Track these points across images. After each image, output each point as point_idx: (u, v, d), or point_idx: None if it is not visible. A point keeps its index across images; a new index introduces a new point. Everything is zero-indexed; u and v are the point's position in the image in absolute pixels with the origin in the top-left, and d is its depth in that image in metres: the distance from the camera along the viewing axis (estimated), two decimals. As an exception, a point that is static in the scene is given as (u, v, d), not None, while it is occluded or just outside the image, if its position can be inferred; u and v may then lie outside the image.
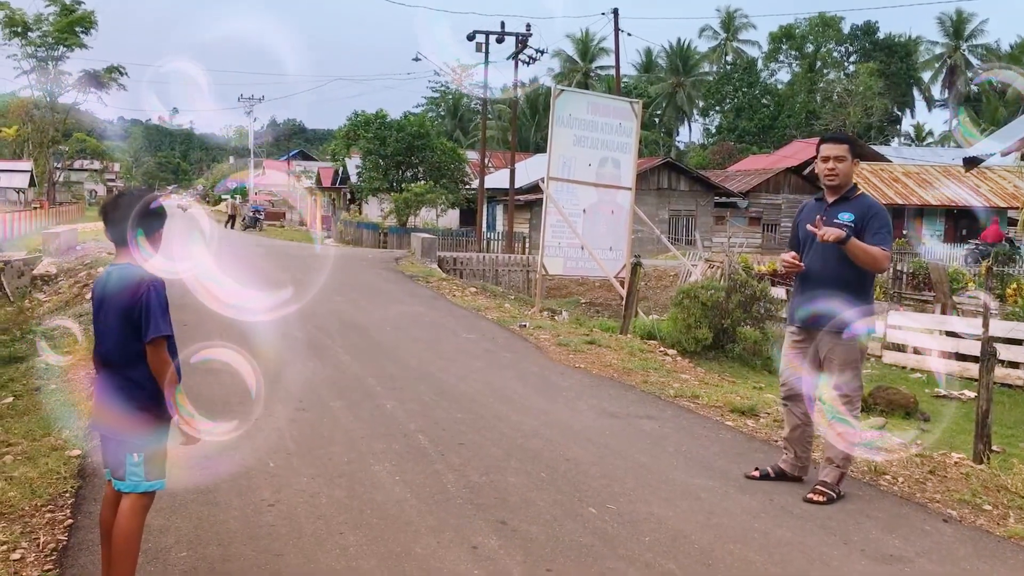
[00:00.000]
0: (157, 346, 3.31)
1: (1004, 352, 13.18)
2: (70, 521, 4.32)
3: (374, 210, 43.19)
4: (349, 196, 51.46)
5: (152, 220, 3.41)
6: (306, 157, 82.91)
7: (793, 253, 5.28)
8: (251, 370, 3.63)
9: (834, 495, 5.05)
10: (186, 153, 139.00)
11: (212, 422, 3.56)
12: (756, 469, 5.50)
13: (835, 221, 5.02)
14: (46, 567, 3.82)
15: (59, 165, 61.05)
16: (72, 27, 49.81)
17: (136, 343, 3.31)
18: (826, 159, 5.16)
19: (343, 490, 4.91)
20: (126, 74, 53.56)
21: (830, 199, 5.21)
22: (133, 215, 3.35)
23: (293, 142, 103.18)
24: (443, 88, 71.33)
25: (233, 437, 3.71)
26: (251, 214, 49.64)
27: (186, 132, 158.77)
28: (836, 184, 5.16)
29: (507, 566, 3.99)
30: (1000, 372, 12.56)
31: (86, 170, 79.74)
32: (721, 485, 5.31)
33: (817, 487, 5.09)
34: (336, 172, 54.71)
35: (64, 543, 4.07)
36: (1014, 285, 20.98)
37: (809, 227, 5.05)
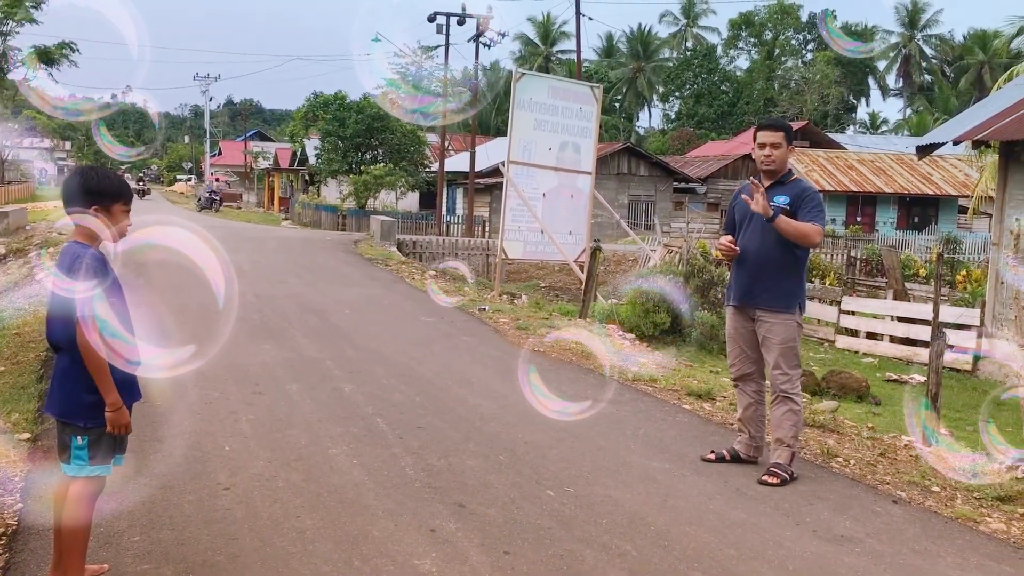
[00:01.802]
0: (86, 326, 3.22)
1: (953, 337, 13.45)
2: (20, 506, 4.24)
3: (333, 192, 42.81)
4: (307, 178, 50.95)
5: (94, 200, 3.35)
6: (263, 138, 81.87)
7: (729, 236, 5.39)
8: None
9: (787, 477, 5.13)
10: (140, 132, 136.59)
11: None
12: (712, 452, 5.57)
13: (771, 204, 5.14)
14: (-5, 552, 3.75)
15: (8, 143, 59.59)
16: (21, 1, 48.51)
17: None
18: (763, 145, 5.28)
19: (300, 473, 4.88)
20: (78, 50, 52.35)
21: (766, 183, 5.33)
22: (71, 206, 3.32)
23: (250, 122, 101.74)
24: (403, 70, 70.84)
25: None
26: (207, 195, 49.07)
27: (140, 111, 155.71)
28: (772, 169, 5.29)
29: (465, 549, 4.00)
30: (949, 357, 12.82)
31: (36, 148, 77.84)
32: (678, 468, 5.37)
33: (771, 469, 5.17)
34: (294, 153, 54.09)
35: (14, 527, 4.00)
36: (963, 272, 21.42)
37: (744, 197, 5.18)
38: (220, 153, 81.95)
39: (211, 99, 71.77)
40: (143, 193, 52.36)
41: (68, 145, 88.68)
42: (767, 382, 5.45)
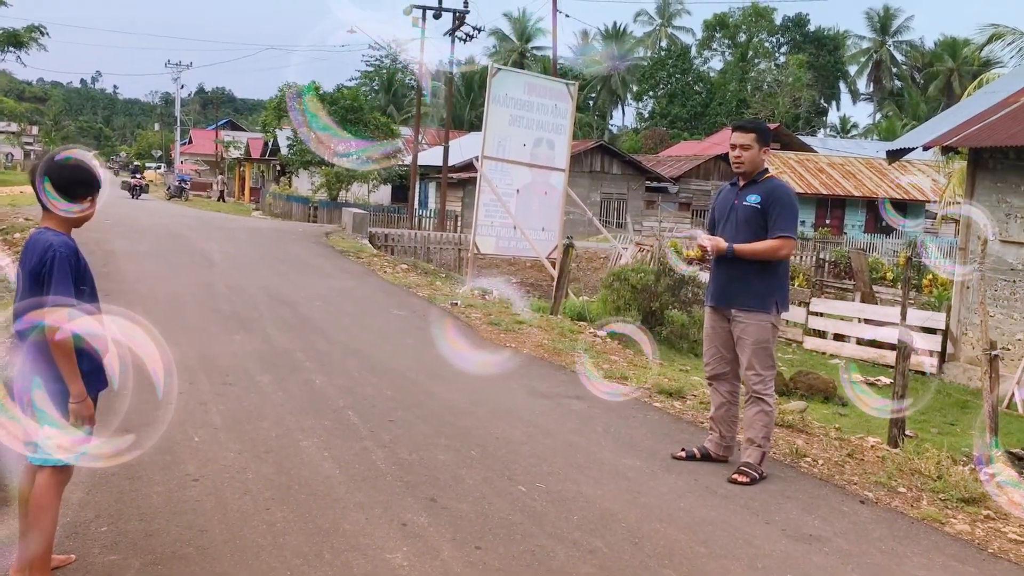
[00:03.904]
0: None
1: (919, 340, 13.64)
2: (-17, 494, 4.17)
3: (304, 183, 42.53)
4: (279, 168, 50.57)
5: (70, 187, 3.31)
6: (235, 127, 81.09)
7: (709, 236, 5.43)
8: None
9: (757, 476, 5.17)
10: (109, 119, 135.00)
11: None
12: (682, 450, 5.60)
13: (744, 203, 5.27)
14: (-42, 542, 3.68)
15: (-28, 127, 58.63)
16: (-10, -18, 47.65)
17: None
18: (734, 147, 5.33)
19: (270, 466, 4.84)
20: (47, 34, 51.53)
21: (741, 183, 5.41)
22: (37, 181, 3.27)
23: (222, 111, 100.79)
24: (377, 63, 70.49)
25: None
26: (176, 184, 48.59)
27: (109, 97, 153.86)
28: (743, 170, 5.36)
29: (436, 543, 3.99)
30: (915, 360, 13.00)
31: (2, 132, 76.54)
32: (648, 465, 5.39)
33: (741, 468, 5.20)
34: (266, 144, 53.65)
35: (-23, 517, 3.93)
36: (930, 276, 21.69)
37: (699, 240, 5.36)
38: (191, 141, 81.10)
39: (182, 87, 71.00)
40: (138, 190, 40.62)
41: (35, 130, 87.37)
42: (741, 383, 5.49)
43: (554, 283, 13.65)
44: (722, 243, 5.22)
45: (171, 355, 3.48)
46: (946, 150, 16.02)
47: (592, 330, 11.31)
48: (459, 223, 32.93)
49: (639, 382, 7.70)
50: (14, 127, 70.75)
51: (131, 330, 3.45)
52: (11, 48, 50.46)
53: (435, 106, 60.37)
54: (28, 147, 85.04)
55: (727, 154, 5.48)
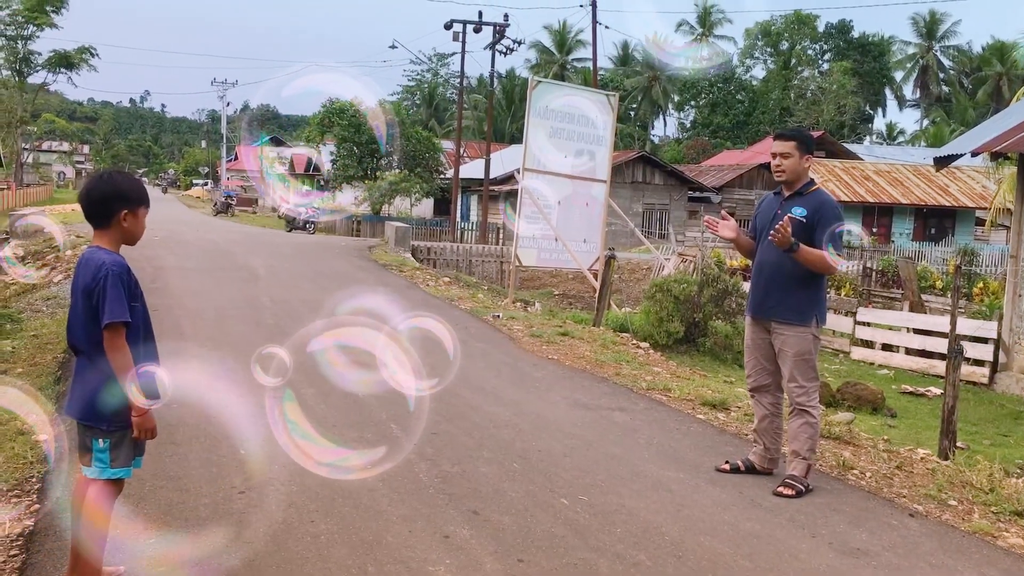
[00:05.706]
0: (112, 332, 3.25)
1: (970, 350, 13.37)
2: (36, 506, 4.27)
3: (348, 198, 42.99)
4: (323, 183, 51.17)
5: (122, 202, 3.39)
6: (279, 143, 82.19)
7: (724, 212, 5.37)
8: None
9: (803, 488, 5.10)
10: (157, 137, 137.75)
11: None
12: (726, 462, 5.54)
13: (789, 215, 5.11)
14: (12, 552, 3.77)
15: (27, 146, 60.15)
16: (42, 6, 49.01)
17: (99, 328, 3.26)
18: (774, 155, 5.25)
19: (314, 478, 4.87)
20: (97, 55, 52.85)
21: (786, 193, 5.31)
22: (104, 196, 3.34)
23: (266, 127, 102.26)
24: (419, 77, 71.06)
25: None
26: (223, 200, 49.28)
27: (157, 115, 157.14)
28: (785, 179, 5.26)
29: (479, 556, 3.99)
30: (966, 370, 12.75)
31: (55, 152, 78.59)
32: (692, 477, 5.34)
33: (786, 480, 5.14)
34: (310, 159, 54.33)
35: (30, 528, 4.02)
36: (980, 284, 21.29)
37: (774, 232, 5.06)
38: (237, 158, 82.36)
39: (228, 104, 72.19)
40: (311, 227, 33.08)
41: (87, 149, 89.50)
42: (784, 394, 5.42)
43: (596, 295, 13.63)
44: (788, 240, 4.96)
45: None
46: (996, 156, 15.73)
47: (635, 342, 11.27)
48: (501, 236, 33.03)
49: (682, 394, 7.66)
50: (66, 146, 72.56)
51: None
52: (63, 69, 51.80)
53: (476, 119, 60.67)
54: (79, 166, 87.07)
55: (770, 163, 5.40)
